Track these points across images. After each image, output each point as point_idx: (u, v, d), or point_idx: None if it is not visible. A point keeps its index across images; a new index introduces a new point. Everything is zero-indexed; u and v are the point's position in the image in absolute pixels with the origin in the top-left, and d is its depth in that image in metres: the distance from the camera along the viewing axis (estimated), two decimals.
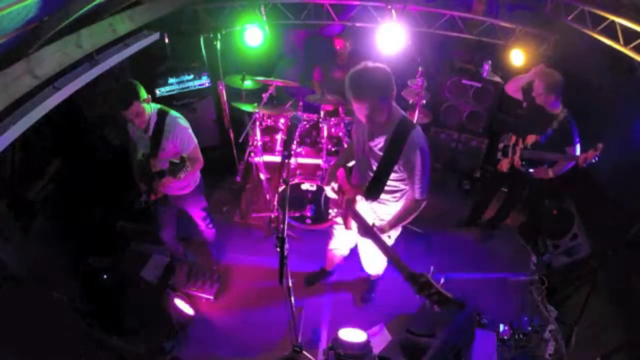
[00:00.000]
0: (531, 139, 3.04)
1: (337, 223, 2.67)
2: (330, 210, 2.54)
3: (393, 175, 2.11)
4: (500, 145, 3.29)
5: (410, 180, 2.10)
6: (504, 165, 3.24)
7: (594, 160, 2.64)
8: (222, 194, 4.20)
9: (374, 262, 2.84)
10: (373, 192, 2.17)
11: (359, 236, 2.38)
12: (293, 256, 3.42)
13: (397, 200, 2.27)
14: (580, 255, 3.26)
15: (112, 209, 3.67)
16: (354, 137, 2.26)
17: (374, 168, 2.14)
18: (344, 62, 4.07)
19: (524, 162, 3.10)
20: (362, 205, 2.27)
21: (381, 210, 2.33)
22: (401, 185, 2.20)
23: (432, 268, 2.78)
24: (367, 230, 2.01)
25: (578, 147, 2.90)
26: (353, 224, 2.25)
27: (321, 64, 4.22)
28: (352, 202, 2.24)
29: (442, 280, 2.90)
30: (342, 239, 2.78)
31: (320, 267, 3.37)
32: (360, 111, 1.95)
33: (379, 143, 2.09)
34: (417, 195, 2.12)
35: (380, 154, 2.09)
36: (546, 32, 3.76)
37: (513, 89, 3.21)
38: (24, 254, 2.80)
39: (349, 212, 2.24)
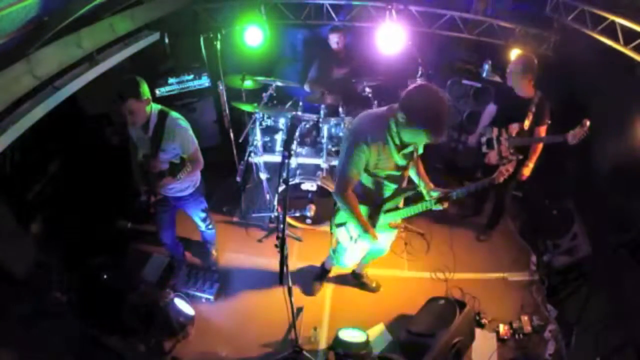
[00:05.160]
0: (514, 127, 3.05)
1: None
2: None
3: None
4: (483, 139, 3.29)
5: None
6: (492, 158, 3.23)
7: (583, 136, 2.66)
8: (222, 194, 4.20)
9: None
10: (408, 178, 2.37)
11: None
12: (293, 256, 3.47)
13: None
14: (580, 255, 3.26)
15: (112, 209, 3.67)
16: (372, 159, 2.13)
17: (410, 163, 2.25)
18: (342, 56, 4.05)
19: (512, 151, 3.10)
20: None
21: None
22: None
23: None
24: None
25: (544, 129, 2.97)
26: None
27: (320, 60, 4.16)
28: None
29: None
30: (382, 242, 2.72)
31: (322, 267, 3.35)
32: None
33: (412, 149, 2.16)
34: None
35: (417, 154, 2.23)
36: (546, 32, 3.76)
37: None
38: (24, 254, 2.80)
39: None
